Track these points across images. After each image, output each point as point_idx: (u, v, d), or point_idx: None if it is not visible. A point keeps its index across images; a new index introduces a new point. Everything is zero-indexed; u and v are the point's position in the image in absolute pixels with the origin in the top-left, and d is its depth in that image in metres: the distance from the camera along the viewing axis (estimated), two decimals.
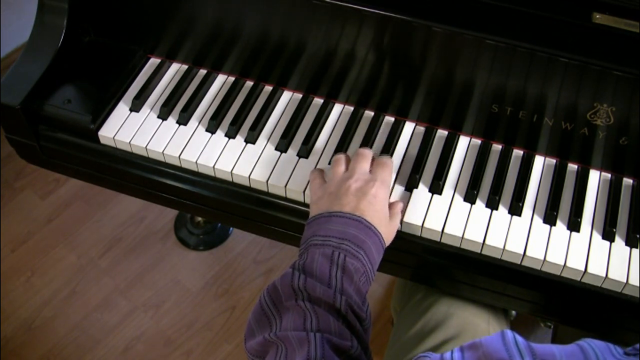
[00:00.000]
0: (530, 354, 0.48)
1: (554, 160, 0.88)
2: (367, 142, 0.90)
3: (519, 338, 0.51)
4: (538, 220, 0.82)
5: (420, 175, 0.86)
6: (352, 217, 0.72)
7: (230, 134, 0.91)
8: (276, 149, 0.90)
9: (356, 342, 0.63)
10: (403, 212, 0.82)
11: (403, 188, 0.85)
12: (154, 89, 0.97)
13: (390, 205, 0.81)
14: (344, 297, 0.65)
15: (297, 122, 0.92)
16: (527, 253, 0.79)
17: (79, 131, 0.93)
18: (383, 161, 0.81)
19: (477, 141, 0.90)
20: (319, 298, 0.64)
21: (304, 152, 0.89)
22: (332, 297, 0.64)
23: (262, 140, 0.91)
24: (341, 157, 0.84)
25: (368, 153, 0.82)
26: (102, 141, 0.93)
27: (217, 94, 0.96)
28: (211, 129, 0.92)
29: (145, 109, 0.95)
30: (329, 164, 0.88)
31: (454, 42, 0.81)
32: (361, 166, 0.80)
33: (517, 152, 0.89)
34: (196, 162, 0.89)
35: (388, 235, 0.77)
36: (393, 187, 0.85)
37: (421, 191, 0.85)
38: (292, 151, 0.89)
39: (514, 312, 1.21)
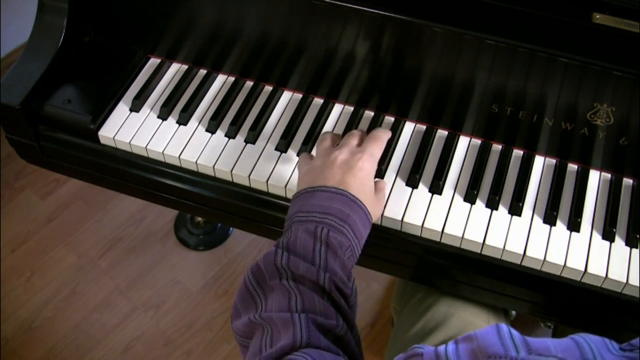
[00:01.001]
0: (525, 348, 0.48)
1: (554, 160, 0.88)
2: None
3: (514, 332, 0.51)
4: (538, 220, 0.82)
5: (420, 175, 0.86)
6: (337, 191, 0.71)
7: (230, 134, 0.91)
8: (276, 149, 0.90)
9: (342, 321, 0.62)
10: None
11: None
12: (154, 89, 0.97)
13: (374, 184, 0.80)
14: (328, 274, 0.64)
15: (297, 122, 0.92)
16: (527, 253, 0.79)
17: (79, 131, 0.93)
18: (376, 134, 0.80)
19: (477, 141, 0.90)
20: (302, 276, 0.64)
21: (304, 152, 0.89)
22: (315, 275, 0.64)
23: (262, 140, 0.91)
24: (328, 133, 0.83)
25: (359, 132, 0.82)
26: (102, 141, 0.93)
27: (217, 94, 0.96)
28: (211, 129, 0.92)
29: (145, 109, 0.95)
30: None
31: (454, 42, 0.81)
32: (349, 140, 0.79)
33: (517, 152, 0.89)
34: (196, 162, 0.89)
35: (374, 211, 0.76)
36: (393, 186, 0.85)
37: (421, 191, 0.85)
38: (292, 151, 0.89)
39: (514, 312, 1.21)
